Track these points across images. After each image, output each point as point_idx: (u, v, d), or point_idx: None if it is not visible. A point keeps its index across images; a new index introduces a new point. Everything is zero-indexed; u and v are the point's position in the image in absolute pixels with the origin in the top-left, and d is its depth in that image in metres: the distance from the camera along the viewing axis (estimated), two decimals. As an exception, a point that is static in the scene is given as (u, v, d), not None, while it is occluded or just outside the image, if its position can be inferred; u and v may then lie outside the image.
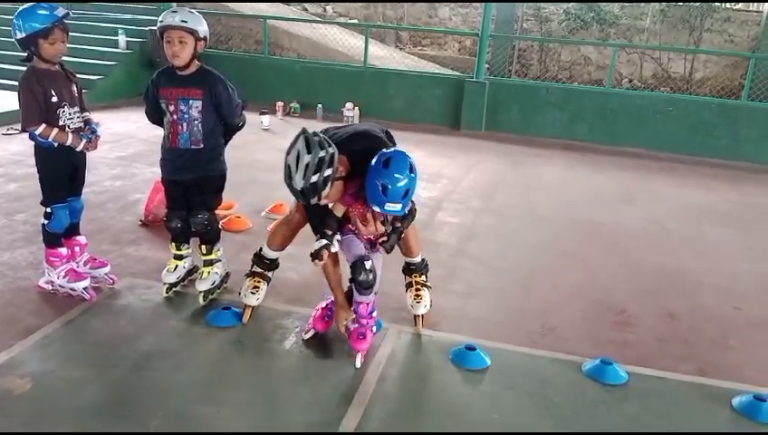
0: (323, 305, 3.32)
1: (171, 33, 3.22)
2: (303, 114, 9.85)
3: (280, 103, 9.76)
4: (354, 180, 2.96)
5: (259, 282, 3.51)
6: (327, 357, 3.16)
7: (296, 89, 10.09)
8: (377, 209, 2.86)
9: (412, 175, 2.83)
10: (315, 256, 2.93)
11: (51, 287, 3.56)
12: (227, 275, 3.78)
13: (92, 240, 4.04)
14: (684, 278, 4.52)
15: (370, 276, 3.02)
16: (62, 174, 3.41)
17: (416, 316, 3.49)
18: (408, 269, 3.58)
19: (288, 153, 2.84)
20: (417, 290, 3.52)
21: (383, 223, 3.03)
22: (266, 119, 8.81)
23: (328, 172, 2.80)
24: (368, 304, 3.13)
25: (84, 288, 3.50)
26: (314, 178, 2.78)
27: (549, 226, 5.49)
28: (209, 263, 3.61)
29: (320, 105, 9.86)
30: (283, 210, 5.15)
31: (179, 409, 2.68)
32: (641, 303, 4.04)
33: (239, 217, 4.91)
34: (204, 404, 2.72)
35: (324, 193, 2.86)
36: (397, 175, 2.79)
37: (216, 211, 3.70)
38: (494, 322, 3.68)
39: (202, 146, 3.39)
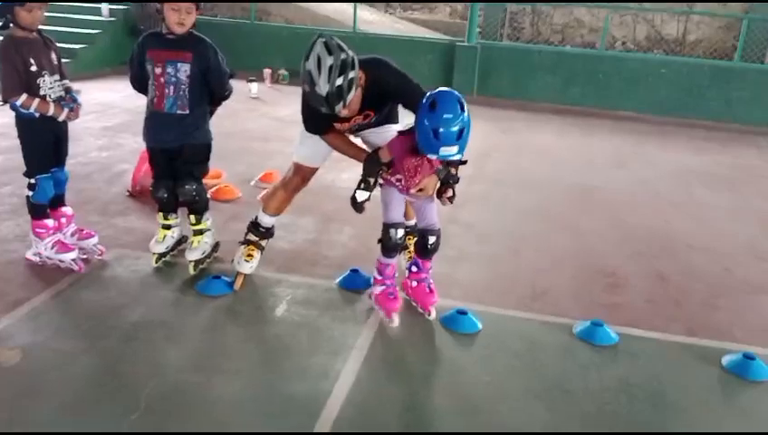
0: (378, 292, 3.20)
1: (180, 3, 3.14)
2: (292, 81, 9.71)
3: (268, 71, 9.63)
4: (408, 135, 2.84)
5: (253, 250, 3.49)
6: (318, 324, 3.16)
7: (284, 55, 9.94)
8: (432, 157, 2.73)
9: (463, 113, 2.69)
10: (357, 208, 2.95)
11: (39, 259, 3.53)
12: (217, 244, 3.76)
13: (79, 211, 3.99)
14: (674, 240, 4.53)
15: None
16: (44, 144, 3.35)
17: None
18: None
19: (306, 59, 2.68)
20: (410, 252, 3.52)
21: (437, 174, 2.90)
22: (254, 87, 8.69)
23: (352, 74, 2.67)
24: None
25: (72, 259, 3.47)
26: (339, 81, 2.64)
27: (540, 191, 5.48)
28: (199, 232, 3.58)
29: (309, 72, 9.71)
30: (273, 179, 5.12)
31: (170, 378, 2.68)
32: (632, 265, 4.06)
33: (228, 187, 4.86)
34: (195, 373, 2.72)
35: (350, 97, 2.71)
36: (446, 115, 2.65)
37: (205, 181, 3.66)
38: (486, 286, 3.68)
39: (188, 112, 3.33)
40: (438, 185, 3.01)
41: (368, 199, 2.95)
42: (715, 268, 4.11)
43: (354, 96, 2.76)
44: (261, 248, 3.53)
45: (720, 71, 9.05)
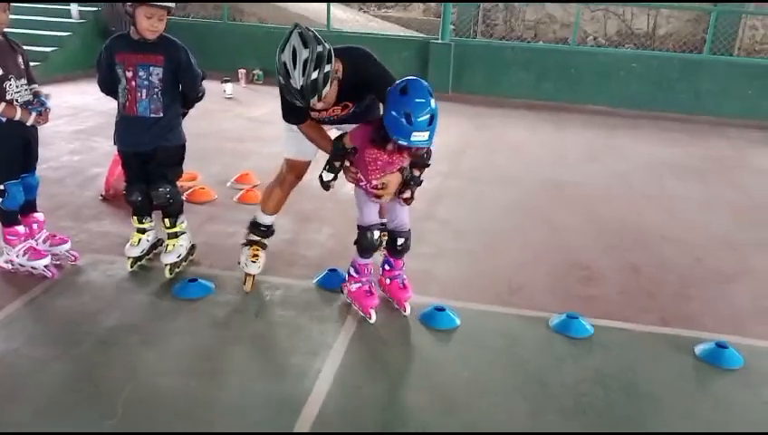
0: (354, 289, 3.23)
1: (154, 11, 3.11)
2: (267, 81, 9.66)
3: (242, 70, 9.56)
4: (370, 126, 2.86)
5: (257, 250, 3.48)
6: (297, 324, 3.15)
7: (259, 55, 9.85)
8: (403, 143, 2.71)
9: (432, 100, 2.69)
10: (324, 186, 3.02)
11: (11, 266, 3.47)
12: (193, 247, 3.74)
13: (52, 217, 3.95)
14: (647, 233, 4.60)
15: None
16: (13, 150, 3.29)
17: None
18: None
19: (282, 50, 2.67)
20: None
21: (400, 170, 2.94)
22: (229, 87, 8.62)
23: (328, 68, 2.66)
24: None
25: (45, 266, 3.43)
26: (315, 75, 2.63)
27: (515, 186, 5.53)
28: (174, 236, 3.55)
29: (283, 71, 9.67)
30: (249, 180, 5.10)
31: (147, 382, 2.66)
32: (606, 258, 4.11)
33: (203, 189, 4.82)
34: (172, 377, 2.70)
35: (325, 91, 2.71)
36: (419, 100, 2.64)
37: (180, 183, 3.63)
38: (463, 283, 3.71)
39: (161, 115, 3.31)
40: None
41: (334, 179, 3.04)
42: (687, 259, 4.19)
43: (330, 88, 2.75)
44: (264, 247, 3.52)
45: (690, 64, 9.20)
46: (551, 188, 5.51)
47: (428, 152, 2.99)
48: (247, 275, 3.44)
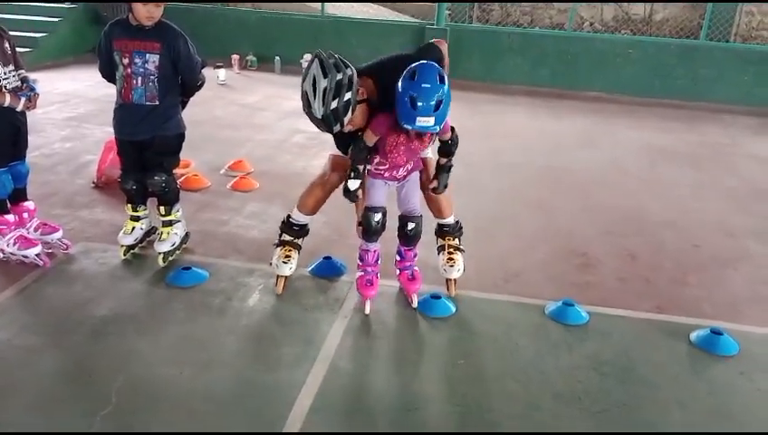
0: (357, 277, 3.19)
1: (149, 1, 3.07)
2: (261, 67, 9.58)
3: (236, 56, 9.48)
4: (391, 113, 2.79)
5: (290, 251, 3.30)
6: (291, 314, 3.13)
7: (252, 41, 9.79)
8: (408, 127, 2.70)
9: (443, 86, 2.66)
10: (351, 197, 2.95)
11: (2, 255, 3.43)
12: (187, 235, 3.71)
13: (44, 205, 3.91)
14: (644, 219, 4.59)
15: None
16: (2, 137, 3.24)
17: (448, 280, 3.38)
18: (441, 231, 3.42)
19: (303, 80, 2.67)
20: (451, 254, 3.36)
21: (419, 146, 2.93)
22: (222, 73, 8.54)
23: (348, 96, 2.65)
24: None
25: (37, 255, 3.39)
26: (334, 104, 2.63)
27: (511, 173, 5.50)
28: (168, 224, 3.52)
29: (277, 57, 9.61)
30: (243, 167, 5.05)
31: (141, 371, 2.64)
32: (602, 245, 4.10)
33: (197, 176, 4.78)
34: (166, 366, 2.68)
35: (347, 119, 2.69)
36: (425, 85, 2.62)
37: (174, 170, 3.59)
38: (459, 270, 3.69)
39: (157, 103, 3.26)
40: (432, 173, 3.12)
41: (360, 187, 2.94)
42: (683, 245, 4.18)
43: (357, 112, 2.74)
44: (298, 248, 3.35)
45: (686, 49, 9.15)
46: (547, 174, 5.49)
47: (453, 140, 3.02)
48: (279, 276, 3.30)
